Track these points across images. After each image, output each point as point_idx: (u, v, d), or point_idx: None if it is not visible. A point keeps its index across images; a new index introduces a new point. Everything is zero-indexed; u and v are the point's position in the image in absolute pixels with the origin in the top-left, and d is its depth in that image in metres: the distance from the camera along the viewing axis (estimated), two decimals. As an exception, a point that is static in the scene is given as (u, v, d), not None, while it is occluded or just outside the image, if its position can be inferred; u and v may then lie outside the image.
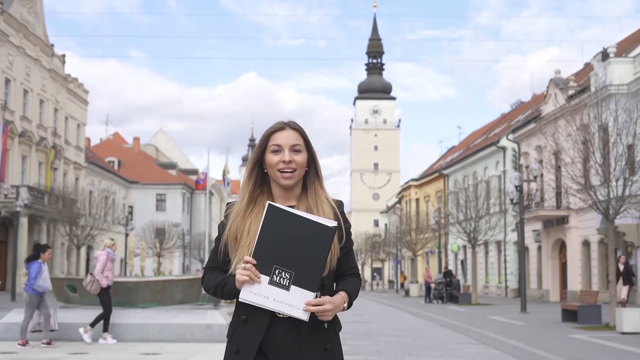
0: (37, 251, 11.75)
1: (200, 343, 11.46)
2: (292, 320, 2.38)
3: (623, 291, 19.25)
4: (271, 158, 2.50)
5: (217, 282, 2.49)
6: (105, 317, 11.70)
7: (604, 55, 29.69)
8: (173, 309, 12.45)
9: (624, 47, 33.13)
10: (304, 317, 2.34)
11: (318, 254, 2.33)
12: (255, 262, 2.33)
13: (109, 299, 11.75)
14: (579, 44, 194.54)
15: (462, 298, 32.46)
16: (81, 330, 11.65)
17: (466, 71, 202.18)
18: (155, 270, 56.01)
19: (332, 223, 2.36)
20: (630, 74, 28.56)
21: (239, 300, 2.37)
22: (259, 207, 2.49)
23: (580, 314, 18.06)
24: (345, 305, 2.46)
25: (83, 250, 43.16)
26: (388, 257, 67.93)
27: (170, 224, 59.54)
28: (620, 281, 19.16)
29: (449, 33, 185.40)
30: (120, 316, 11.93)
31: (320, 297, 2.38)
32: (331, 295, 2.43)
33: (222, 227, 2.55)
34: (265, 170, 2.54)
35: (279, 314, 2.39)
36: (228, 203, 2.60)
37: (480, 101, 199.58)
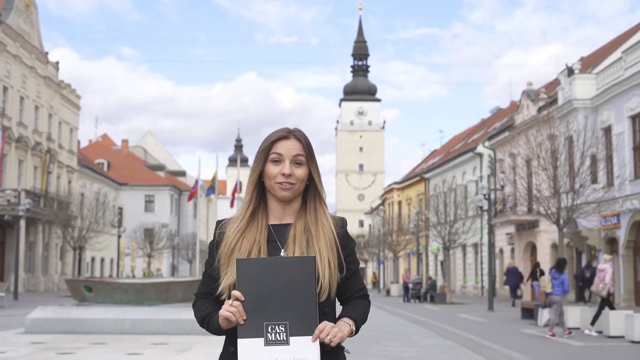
0: (563, 264, 16.08)
1: (200, 335, 13.26)
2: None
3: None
4: (271, 169, 2.32)
5: (204, 315, 2.30)
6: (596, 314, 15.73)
7: (570, 70, 31.73)
8: (176, 306, 14.32)
9: (592, 61, 35.18)
10: None
11: (306, 290, 2.11)
12: (243, 298, 2.12)
13: (609, 302, 15.86)
14: (573, 44, 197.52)
15: (438, 297, 34.42)
16: (586, 331, 15.75)
17: (459, 71, 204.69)
18: (145, 270, 57.67)
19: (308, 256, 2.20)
20: (593, 89, 30.59)
21: None
22: (256, 222, 2.35)
23: (536, 312, 20.14)
24: (353, 328, 2.26)
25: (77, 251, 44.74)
26: (371, 257, 69.89)
27: (158, 225, 61.11)
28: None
29: (442, 32, 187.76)
30: (131, 312, 13.78)
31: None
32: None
33: (214, 246, 2.36)
34: (262, 180, 2.37)
35: None
36: (218, 221, 2.42)
37: (473, 101, 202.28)
